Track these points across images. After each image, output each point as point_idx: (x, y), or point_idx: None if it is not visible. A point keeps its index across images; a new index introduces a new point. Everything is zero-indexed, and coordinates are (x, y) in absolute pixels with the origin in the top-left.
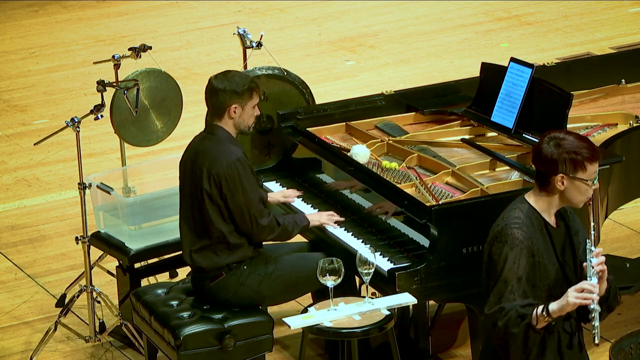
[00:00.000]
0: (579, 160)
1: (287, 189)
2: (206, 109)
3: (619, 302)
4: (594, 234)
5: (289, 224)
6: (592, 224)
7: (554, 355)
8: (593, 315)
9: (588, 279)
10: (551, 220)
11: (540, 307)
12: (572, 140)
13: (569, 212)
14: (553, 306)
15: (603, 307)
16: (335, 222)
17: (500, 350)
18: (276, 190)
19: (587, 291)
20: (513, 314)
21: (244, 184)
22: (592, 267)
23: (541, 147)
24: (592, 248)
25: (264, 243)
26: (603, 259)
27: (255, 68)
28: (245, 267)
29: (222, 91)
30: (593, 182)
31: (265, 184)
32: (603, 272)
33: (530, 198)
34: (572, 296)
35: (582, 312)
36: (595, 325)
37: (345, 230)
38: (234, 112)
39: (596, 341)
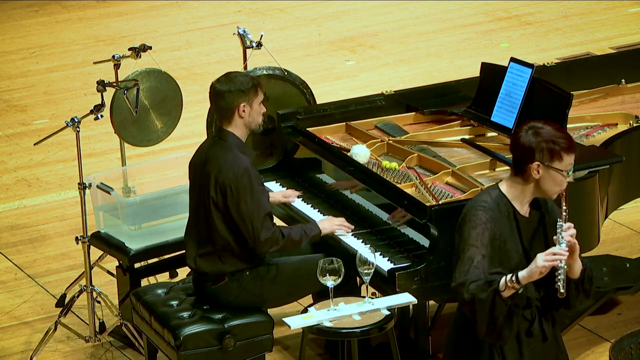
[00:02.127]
0: (556, 149)
1: (287, 189)
2: (206, 109)
3: (592, 290)
4: (566, 216)
5: (296, 234)
6: (564, 207)
7: (511, 343)
8: (560, 272)
9: (557, 245)
10: (523, 209)
11: (509, 275)
12: (550, 130)
13: (548, 204)
14: (522, 273)
15: (579, 289)
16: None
17: (469, 323)
18: (276, 190)
19: (556, 254)
20: (481, 281)
21: (247, 195)
22: (562, 238)
23: (519, 135)
24: (562, 224)
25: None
26: (573, 231)
27: (256, 68)
28: (247, 272)
29: (228, 92)
30: (568, 174)
31: (265, 183)
32: (574, 244)
33: (503, 185)
34: (541, 259)
35: (546, 300)
36: (561, 278)
37: (341, 232)
38: (243, 111)
39: (561, 290)
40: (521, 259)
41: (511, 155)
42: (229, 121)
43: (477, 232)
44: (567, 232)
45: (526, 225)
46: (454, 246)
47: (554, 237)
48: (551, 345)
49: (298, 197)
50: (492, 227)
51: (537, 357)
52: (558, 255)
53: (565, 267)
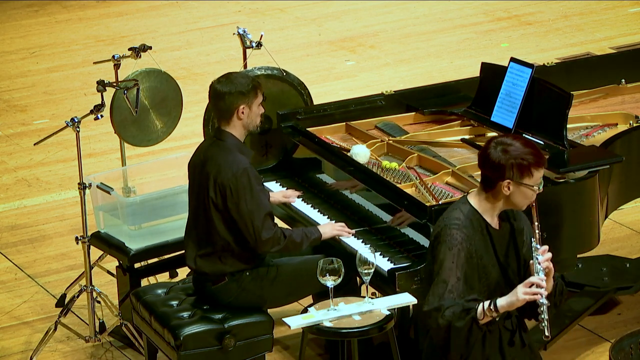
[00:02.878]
0: (525, 165)
1: (287, 189)
2: (206, 108)
3: (565, 298)
4: (539, 233)
5: (297, 236)
6: (536, 223)
7: (494, 352)
8: (542, 309)
9: (535, 274)
10: (493, 221)
11: (487, 302)
12: (519, 146)
13: (513, 212)
14: (501, 302)
15: (551, 303)
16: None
17: (439, 349)
18: (276, 191)
19: (535, 285)
20: (457, 308)
21: (247, 195)
22: (539, 263)
23: (488, 152)
24: (537, 246)
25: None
26: (549, 255)
27: (255, 68)
28: (247, 273)
29: (228, 94)
30: (538, 187)
31: (265, 183)
32: (550, 269)
33: (473, 199)
34: (521, 292)
35: (523, 309)
36: (545, 318)
37: (342, 236)
38: (242, 112)
39: (546, 333)
40: (498, 273)
41: None
42: (227, 122)
43: (452, 254)
44: (542, 256)
45: (499, 238)
46: None
47: (531, 261)
48: (526, 350)
49: (298, 197)
50: (468, 246)
51: None
52: (537, 287)
53: (548, 303)
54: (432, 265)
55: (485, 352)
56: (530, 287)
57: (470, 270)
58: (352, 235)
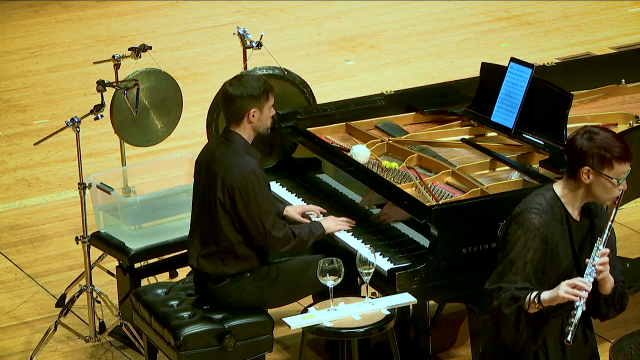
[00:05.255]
0: (608, 157)
1: (302, 199)
2: (206, 109)
3: (624, 305)
4: (607, 234)
5: (305, 234)
6: (609, 223)
7: (555, 345)
8: (575, 312)
9: (585, 276)
10: (575, 213)
11: (534, 293)
12: (606, 136)
13: (598, 209)
14: (544, 295)
15: (608, 304)
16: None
17: (494, 327)
18: (282, 193)
19: (578, 287)
20: (507, 294)
21: (257, 196)
22: (593, 266)
23: (574, 138)
24: (600, 247)
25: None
26: (605, 259)
27: (256, 68)
28: (248, 274)
29: (239, 97)
30: (619, 182)
31: None
32: (602, 272)
33: (558, 187)
34: (563, 290)
35: (590, 305)
36: (574, 322)
37: (345, 230)
38: (253, 116)
39: (569, 338)
40: (571, 263)
41: (515, 155)
42: (237, 124)
43: (527, 238)
44: (600, 258)
45: (577, 229)
46: (454, 246)
47: (587, 259)
48: (588, 348)
49: (321, 213)
50: (545, 232)
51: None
52: (580, 290)
53: (584, 308)
54: (502, 244)
55: (547, 345)
56: (573, 287)
57: (542, 256)
58: (354, 224)
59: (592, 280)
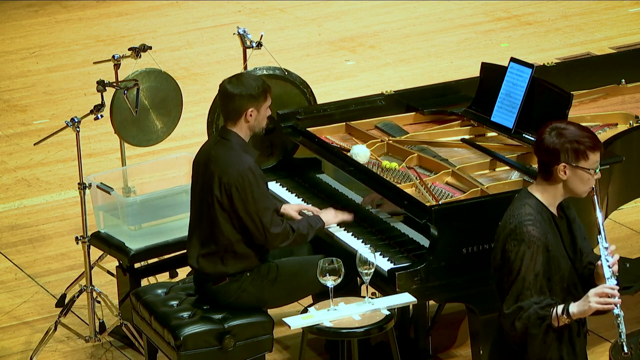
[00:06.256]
0: (581, 149)
1: (307, 203)
2: (206, 109)
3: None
4: (603, 227)
5: (304, 228)
6: (598, 212)
7: (567, 345)
8: (618, 320)
9: (607, 280)
10: (556, 212)
11: (560, 308)
12: (574, 129)
13: (563, 202)
14: (573, 309)
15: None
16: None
17: (517, 347)
18: (282, 193)
19: (609, 295)
20: (533, 315)
21: (254, 193)
22: (610, 267)
23: (543, 137)
24: (606, 245)
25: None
26: (617, 257)
27: (256, 68)
28: (248, 273)
29: (238, 96)
30: (595, 171)
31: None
32: (615, 265)
33: (536, 192)
34: (594, 301)
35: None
36: (622, 331)
37: (345, 230)
38: (250, 115)
39: (625, 349)
40: (567, 262)
41: (515, 155)
42: (234, 122)
43: (531, 251)
44: (612, 257)
45: (562, 227)
46: (454, 246)
47: (598, 262)
48: (584, 340)
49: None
50: (544, 240)
51: (581, 355)
52: (612, 296)
53: (623, 313)
54: (505, 264)
55: (560, 345)
56: (603, 297)
57: (547, 264)
58: (353, 217)
59: (615, 282)
